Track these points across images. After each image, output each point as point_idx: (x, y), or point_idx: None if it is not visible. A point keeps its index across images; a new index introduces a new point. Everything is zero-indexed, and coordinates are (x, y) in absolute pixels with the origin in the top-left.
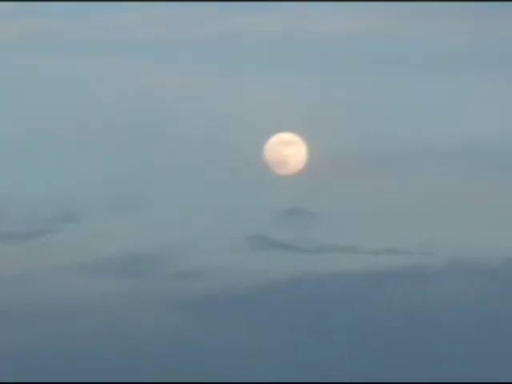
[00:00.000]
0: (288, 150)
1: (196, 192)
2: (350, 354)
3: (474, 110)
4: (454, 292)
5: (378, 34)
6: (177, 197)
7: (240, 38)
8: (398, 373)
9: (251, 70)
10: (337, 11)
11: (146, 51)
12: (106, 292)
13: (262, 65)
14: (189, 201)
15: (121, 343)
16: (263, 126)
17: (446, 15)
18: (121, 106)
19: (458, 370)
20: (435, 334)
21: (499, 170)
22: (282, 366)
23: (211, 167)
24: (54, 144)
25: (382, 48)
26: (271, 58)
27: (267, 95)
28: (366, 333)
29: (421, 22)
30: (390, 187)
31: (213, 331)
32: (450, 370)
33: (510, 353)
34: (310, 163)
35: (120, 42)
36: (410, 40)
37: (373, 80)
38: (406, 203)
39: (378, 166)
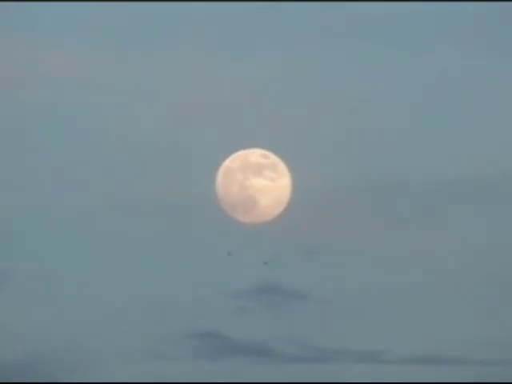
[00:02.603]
0: (259, 181)
1: (100, 264)
2: None
3: None
4: None
5: None
6: (63, 272)
7: None
8: None
9: (190, 44)
10: None
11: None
12: None
13: (211, 36)
14: (86, 280)
15: None
16: (216, 140)
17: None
18: None
19: None
20: None
21: None
22: None
23: (125, 215)
24: None
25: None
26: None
27: (218, 86)
28: None
29: None
30: (427, 247)
31: None
32: None
33: None
34: (295, 203)
35: None
36: None
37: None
38: (456, 277)
39: (408, 208)
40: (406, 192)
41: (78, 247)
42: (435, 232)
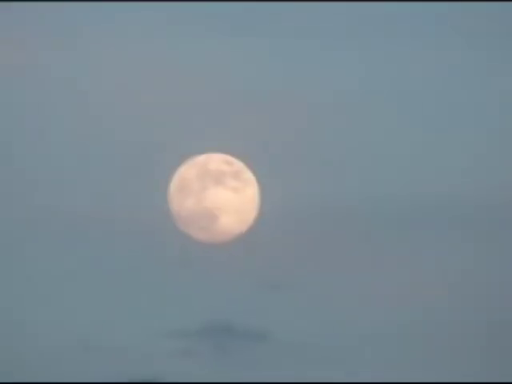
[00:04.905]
0: (219, 192)
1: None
2: None
3: None
4: None
5: None
6: None
7: None
8: None
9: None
10: None
11: None
12: None
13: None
14: None
15: None
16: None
17: None
18: None
19: None
20: None
21: None
22: None
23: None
24: None
25: None
26: None
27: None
28: None
29: None
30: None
31: None
32: None
33: None
34: (262, 221)
35: None
36: None
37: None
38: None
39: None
40: (402, 215)
41: None
42: (425, 262)
